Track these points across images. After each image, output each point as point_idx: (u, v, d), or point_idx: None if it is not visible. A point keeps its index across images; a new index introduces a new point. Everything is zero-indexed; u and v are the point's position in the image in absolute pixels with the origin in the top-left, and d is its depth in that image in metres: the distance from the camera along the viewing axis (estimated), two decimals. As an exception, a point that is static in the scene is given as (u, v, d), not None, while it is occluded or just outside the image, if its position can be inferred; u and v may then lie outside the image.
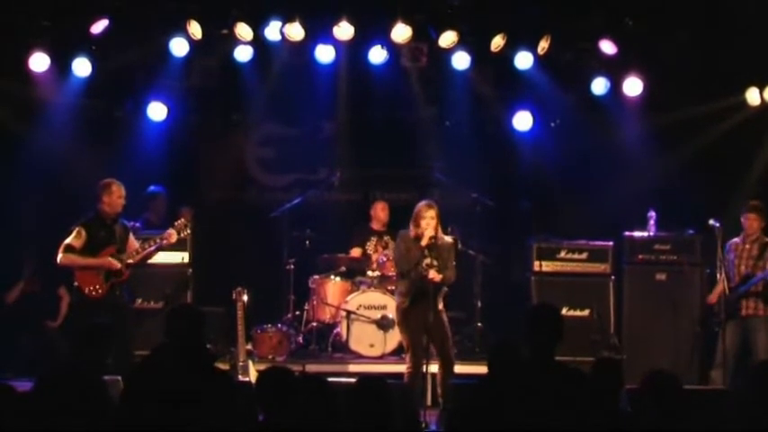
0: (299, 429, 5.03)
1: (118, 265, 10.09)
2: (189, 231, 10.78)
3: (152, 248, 10.38)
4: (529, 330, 6.24)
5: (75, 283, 10.09)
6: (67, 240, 10.07)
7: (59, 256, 10.04)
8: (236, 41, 12.27)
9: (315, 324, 12.26)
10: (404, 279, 10.10)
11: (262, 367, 7.81)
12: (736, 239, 10.99)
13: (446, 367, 10.06)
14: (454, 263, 10.21)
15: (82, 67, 12.12)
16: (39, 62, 11.97)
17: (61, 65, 12.13)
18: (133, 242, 10.38)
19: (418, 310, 9.89)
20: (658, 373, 5.99)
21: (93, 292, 10.02)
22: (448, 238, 10.29)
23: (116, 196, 10.17)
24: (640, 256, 11.99)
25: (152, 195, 12.36)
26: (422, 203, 10.15)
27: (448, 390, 9.78)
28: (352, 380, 5.50)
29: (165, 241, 10.42)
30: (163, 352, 6.46)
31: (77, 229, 10.10)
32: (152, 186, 12.37)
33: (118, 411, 6.19)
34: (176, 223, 10.66)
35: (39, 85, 12.22)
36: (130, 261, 10.24)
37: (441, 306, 10.07)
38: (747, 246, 10.86)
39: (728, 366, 10.56)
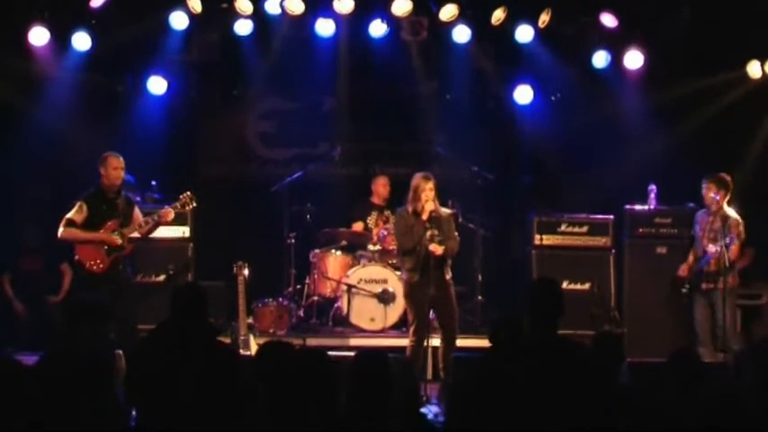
0: (300, 403, 5.04)
1: (117, 240, 10.05)
2: (194, 204, 10.75)
3: (151, 225, 10.35)
4: (530, 305, 6.25)
5: (76, 258, 10.07)
6: (68, 215, 10.05)
7: (60, 231, 10.02)
8: (236, 15, 12.23)
9: (316, 298, 12.29)
10: (408, 255, 10.10)
11: (263, 341, 7.83)
12: (702, 211, 10.91)
13: (449, 341, 10.09)
14: (456, 233, 10.23)
15: (82, 41, 12.08)
16: (38, 36, 11.93)
17: (61, 39, 12.09)
18: (138, 215, 10.34)
19: (423, 284, 9.90)
20: (681, 351, 6.03)
21: (95, 267, 10.01)
22: (447, 210, 10.30)
23: (112, 168, 10.09)
24: (641, 230, 12.01)
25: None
26: (418, 176, 10.14)
27: (449, 363, 9.80)
28: (353, 353, 5.50)
29: (162, 219, 10.38)
30: (166, 327, 6.48)
31: (79, 203, 10.08)
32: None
33: (123, 387, 6.22)
34: (181, 196, 10.64)
35: (38, 60, 12.18)
36: (134, 234, 10.23)
37: (448, 277, 10.10)
38: (711, 218, 10.74)
39: (707, 339, 10.53)
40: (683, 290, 10.81)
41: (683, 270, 10.97)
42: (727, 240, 10.37)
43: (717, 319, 10.53)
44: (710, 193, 10.65)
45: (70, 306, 6.59)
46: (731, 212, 10.67)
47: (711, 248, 10.53)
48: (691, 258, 10.89)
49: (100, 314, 6.72)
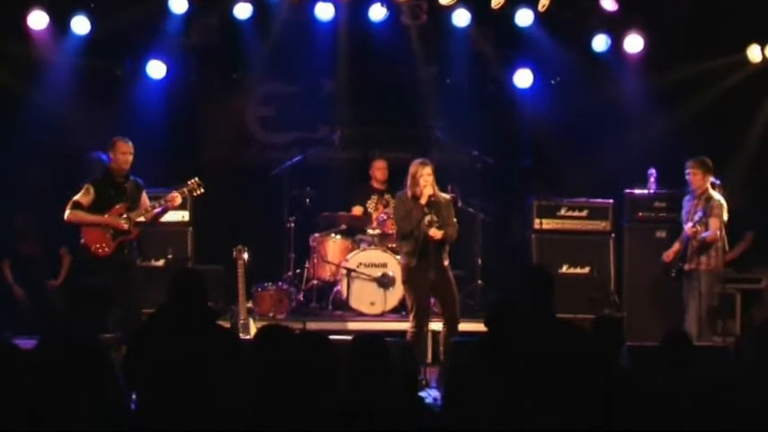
0: (300, 387, 5.04)
1: (123, 224, 10.04)
2: (202, 190, 10.69)
3: (159, 210, 10.34)
4: (524, 291, 6.27)
5: (82, 241, 10.04)
6: (76, 197, 10.04)
7: (66, 213, 10.00)
8: (235, -1, 12.26)
9: (315, 282, 12.30)
10: (407, 240, 10.09)
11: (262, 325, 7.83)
12: (688, 196, 10.81)
13: (450, 326, 10.09)
14: (455, 219, 10.22)
15: (81, 25, 12.07)
16: (37, 20, 11.93)
17: (60, 23, 12.08)
18: (145, 200, 10.32)
19: (422, 269, 9.89)
20: (675, 333, 6.03)
21: (100, 250, 10.00)
22: (445, 196, 10.28)
23: (120, 152, 10.11)
24: (640, 214, 12.02)
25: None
26: (416, 162, 10.12)
27: (448, 348, 9.81)
28: (352, 337, 5.50)
29: (169, 203, 10.38)
30: (166, 312, 6.48)
31: (86, 186, 10.08)
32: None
33: (122, 371, 6.23)
34: (189, 182, 10.58)
35: (37, 44, 12.17)
36: (141, 219, 10.23)
37: (446, 263, 10.08)
38: (695, 201, 10.70)
39: (699, 321, 10.50)
40: (672, 274, 10.77)
41: (666, 256, 10.90)
42: (697, 217, 10.34)
43: (701, 300, 10.47)
44: (698, 177, 10.60)
45: (72, 289, 6.58)
46: (715, 195, 10.60)
47: (686, 228, 10.50)
48: (677, 245, 10.82)
49: (102, 298, 6.72)
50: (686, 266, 10.58)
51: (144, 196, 10.34)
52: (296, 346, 5.26)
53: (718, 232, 10.47)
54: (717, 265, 10.56)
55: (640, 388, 5.63)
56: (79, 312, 6.53)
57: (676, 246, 10.79)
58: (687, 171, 10.67)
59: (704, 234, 10.41)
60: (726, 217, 10.53)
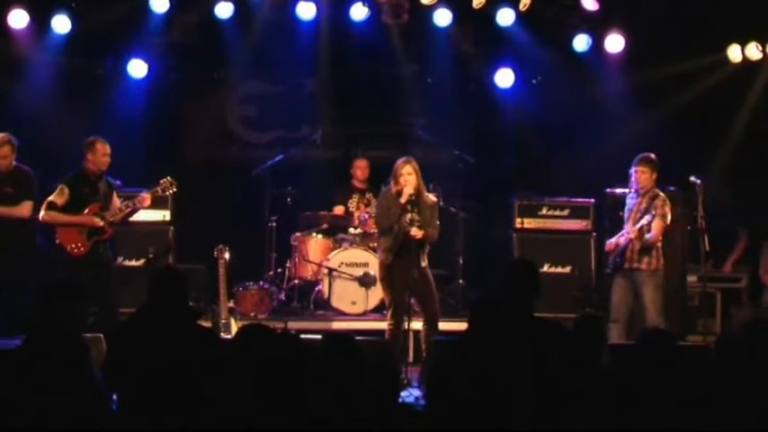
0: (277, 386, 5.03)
1: (100, 222, 10.07)
2: (175, 189, 10.70)
3: (129, 210, 10.34)
4: (508, 286, 6.27)
5: (57, 241, 10.05)
6: (50, 198, 10.04)
7: (41, 213, 10.01)
8: (216, -3, 12.25)
9: (297, 281, 12.29)
10: (385, 236, 10.07)
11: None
12: (631, 194, 10.65)
13: (431, 324, 10.07)
14: (438, 222, 10.20)
15: (61, 23, 12.05)
16: (18, 19, 11.90)
17: (41, 22, 12.05)
18: (116, 200, 10.35)
19: (401, 267, 9.87)
20: (654, 330, 6.04)
21: (76, 250, 10.01)
22: (431, 197, 10.26)
23: (100, 154, 10.13)
24: (621, 213, 12.02)
25: None
26: (399, 160, 10.12)
27: (430, 346, 9.82)
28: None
29: (139, 204, 10.38)
30: (146, 311, 6.47)
31: (60, 186, 10.08)
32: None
33: (102, 371, 6.21)
34: (162, 181, 10.58)
35: (18, 42, 12.14)
36: (112, 219, 10.22)
37: (424, 263, 10.06)
38: (640, 199, 10.62)
39: (623, 319, 10.44)
40: (607, 270, 10.72)
41: (609, 245, 10.79)
42: (645, 220, 10.30)
43: (642, 300, 10.40)
44: (646, 176, 10.53)
45: (46, 288, 6.55)
46: (661, 193, 10.53)
47: (628, 228, 10.43)
48: (619, 239, 10.71)
49: (75, 295, 6.68)
50: (626, 265, 10.52)
51: (115, 196, 10.36)
52: (277, 345, 5.24)
53: (660, 236, 10.42)
54: (658, 266, 10.49)
55: (622, 386, 5.65)
56: (53, 310, 6.48)
57: (619, 240, 10.65)
58: (634, 170, 10.54)
59: (648, 236, 10.33)
60: (669, 217, 10.49)
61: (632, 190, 10.60)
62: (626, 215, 10.64)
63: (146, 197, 10.36)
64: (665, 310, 10.42)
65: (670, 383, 5.48)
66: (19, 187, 10.31)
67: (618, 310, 10.43)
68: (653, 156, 10.54)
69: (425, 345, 10.08)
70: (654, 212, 10.32)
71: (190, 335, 6.34)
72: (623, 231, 10.55)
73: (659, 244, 10.44)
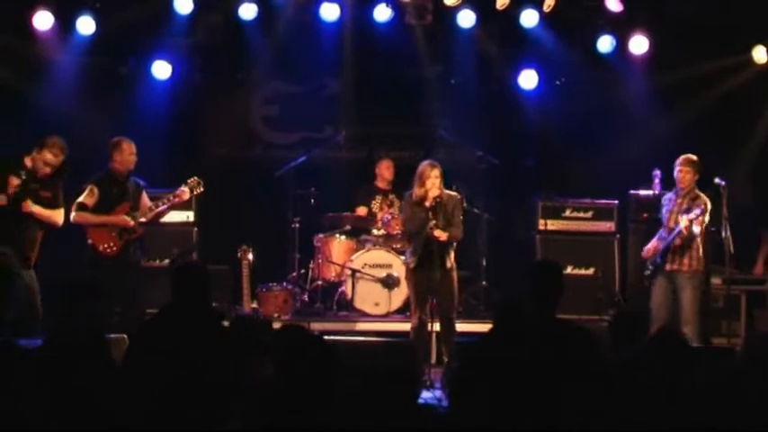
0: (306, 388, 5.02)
1: (132, 222, 10.09)
2: (202, 189, 10.71)
3: (164, 207, 10.36)
4: (531, 287, 6.25)
5: (90, 241, 10.06)
6: (80, 199, 10.07)
7: (72, 215, 10.02)
8: (240, -1, 12.27)
9: (320, 282, 12.29)
10: (412, 239, 10.17)
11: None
12: (670, 194, 10.66)
13: (445, 325, 10.10)
14: (461, 218, 10.22)
15: (86, 25, 12.10)
16: (43, 20, 11.95)
17: (65, 23, 12.11)
18: (146, 200, 10.36)
19: (425, 269, 9.93)
20: (666, 331, 6.00)
21: (108, 250, 10.03)
22: (454, 194, 10.29)
23: (127, 153, 10.17)
24: (645, 215, 11.98)
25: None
26: (425, 163, 10.15)
27: (452, 348, 9.84)
28: (355, 338, 5.50)
29: (177, 199, 10.40)
30: (170, 311, 6.47)
31: (89, 186, 10.10)
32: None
33: (123, 370, 6.21)
34: (189, 181, 10.60)
35: (43, 44, 12.20)
36: (143, 219, 10.23)
37: (450, 264, 10.07)
38: (680, 200, 10.59)
39: (663, 321, 10.39)
40: (647, 272, 10.68)
41: (646, 251, 10.78)
42: (693, 215, 10.24)
43: (680, 302, 10.36)
44: (689, 175, 10.49)
45: (68, 287, 6.56)
46: (701, 194, 10.51)
47: (681, 221, 10.35)
48: (655, 242, 10.69)
49: (95, 293, 6.69)
50: (667, 266, 10.48)
51: (144, 196, 10.37)
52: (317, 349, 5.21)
53: (704, 233, 10.40)
54: (698, 267, 10.45)
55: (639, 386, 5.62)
56: (73, 308, 6.50)
57: (655, 243, 10.64)
58: (677, 170, 10.53)
59: (695, 229, 10.27)
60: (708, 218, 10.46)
61: (671, 190, 10.55)
62: (664, 216, 10.58)
63: (184, 191, 10.39)
64: (700, 314, 10.39)
65: (676, 385, 5.46)
66: (55, 194, 10.24)
67: (658, 312, 10.39)
68: (695, 157, 10.50)
69: (444, 347, 10.13)
70: (703, 207, 10.28)
71: (213, 334, 6.33)
72: (660, 233, 10.52)
73: (701, 247, 10.39)
